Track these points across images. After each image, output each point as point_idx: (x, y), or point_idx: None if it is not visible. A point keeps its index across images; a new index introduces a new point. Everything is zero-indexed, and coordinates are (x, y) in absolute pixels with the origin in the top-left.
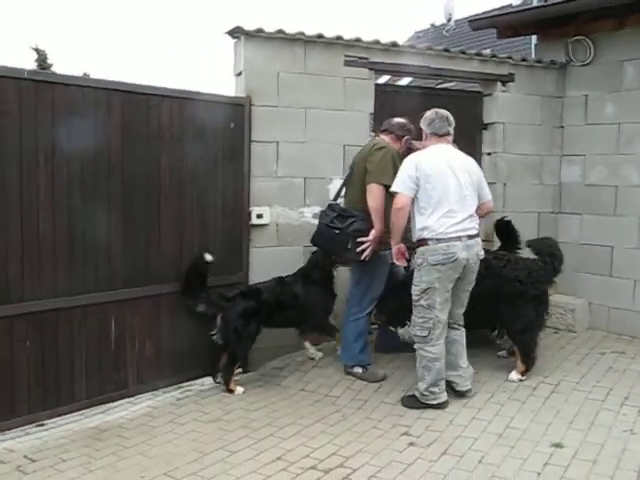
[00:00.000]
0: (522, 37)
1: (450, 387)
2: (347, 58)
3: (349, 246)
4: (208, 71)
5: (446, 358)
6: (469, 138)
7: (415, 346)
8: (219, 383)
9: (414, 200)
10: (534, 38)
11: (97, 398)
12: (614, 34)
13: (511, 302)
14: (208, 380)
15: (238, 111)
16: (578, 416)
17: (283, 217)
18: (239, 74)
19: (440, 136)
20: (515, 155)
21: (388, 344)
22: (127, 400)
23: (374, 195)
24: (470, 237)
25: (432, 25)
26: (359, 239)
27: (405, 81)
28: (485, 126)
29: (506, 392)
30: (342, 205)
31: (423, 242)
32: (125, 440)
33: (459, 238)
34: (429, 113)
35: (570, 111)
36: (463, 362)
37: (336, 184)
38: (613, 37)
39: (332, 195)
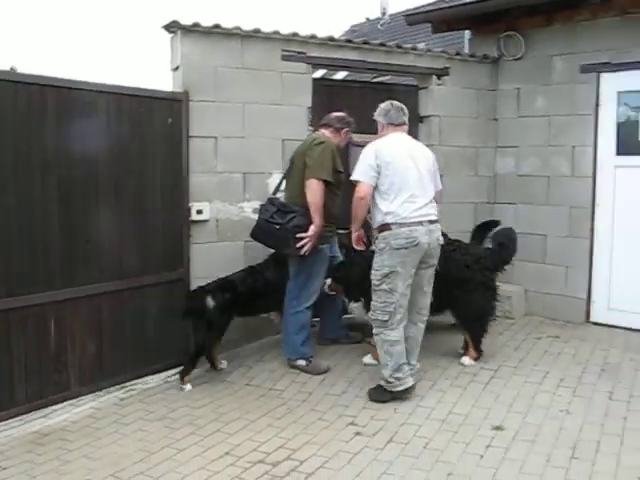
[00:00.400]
0: (456, 32)
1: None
2: (284, 53)
3: (289, 242)
4: (143, 66)
5: None
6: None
7: (374, 331)
8: (221, 370)
9: (375, 187)
10: (467, 33)
11: (38, 402)
12: (544, 30)
13: (461, 287)
14: (152, 378)
15: (176, 106)
16: (517, 399)
17: (223, 212)
18: (176, 69)
19: (397, 125)
20: (451, 147)
21: (330, 336)
22: (69, 402)
23: (313, 190)
24: (431, 222)
25: (367, 19)
26: (299, 235)
27: (341, 75)
28: (421, 119)
29: (448, 379)
30: (282, 199)
31: (386, 227)
32: (69, 443)
33: (421, 223)
34: (384, 105)
35: (503, 104)
36: (413, 359)
37: (275, 178)
38: (543, 32)
39: (272, 189)
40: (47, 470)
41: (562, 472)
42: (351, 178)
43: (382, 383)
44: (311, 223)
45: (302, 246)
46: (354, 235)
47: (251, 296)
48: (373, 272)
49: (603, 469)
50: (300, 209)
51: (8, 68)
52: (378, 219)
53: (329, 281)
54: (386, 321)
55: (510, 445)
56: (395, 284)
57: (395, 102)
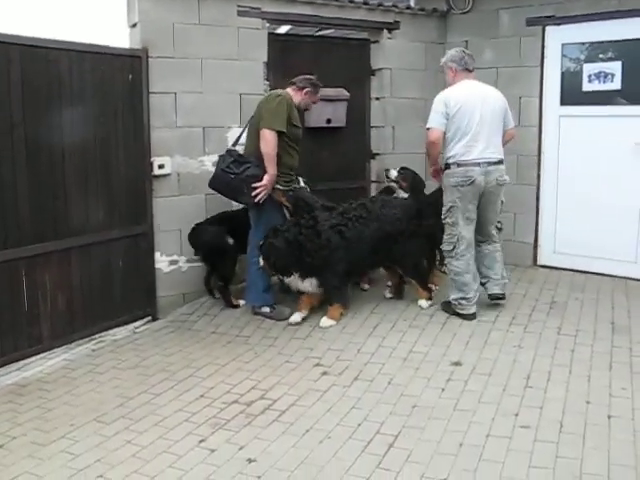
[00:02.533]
0: None
1: (486, 291)
2: (240, 8)
3: (245, 191)
4: (98, 22)
5: (479, 269)
6: (359, 84)
7: (446, 261)
8: (218, 298)
9: (445, 131)
10: None
11: (12, 355)
12: None
13: (395, 240)
14: (120, 330)
15: (135, 63)
16: (473, 337)
17: (184, 166)
18: (134, 25)
19: (470, 71)
20: (402, 99)
21: None
22: (42, 356)
23: (266, 139)
24: (490, 164)
25: None
26: (254, 185)
27: (283, 29)
28: (373, 72)
29: (407, 321)
30: (240, 152)
31: (448, 166)
32: (47, 393)
33: (478, 164)
34: (456, 52)
35: None
36: (494, 274)
37: (234, 132)
38: None
39: (231, 143)
40: (31, 417)
41: (517, 399)
42: (426, 126)
43: (450, 300)
44: (265, 173)
45: (257, 195)
46: (431, 170)
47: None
48: (443, 208)
49: (554, 396)
50: (255, 160)
51: None
52: (444, 159)
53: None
54: (450, 250)
55: (469, 378)
56: (456, 217)
57: (465, 49)
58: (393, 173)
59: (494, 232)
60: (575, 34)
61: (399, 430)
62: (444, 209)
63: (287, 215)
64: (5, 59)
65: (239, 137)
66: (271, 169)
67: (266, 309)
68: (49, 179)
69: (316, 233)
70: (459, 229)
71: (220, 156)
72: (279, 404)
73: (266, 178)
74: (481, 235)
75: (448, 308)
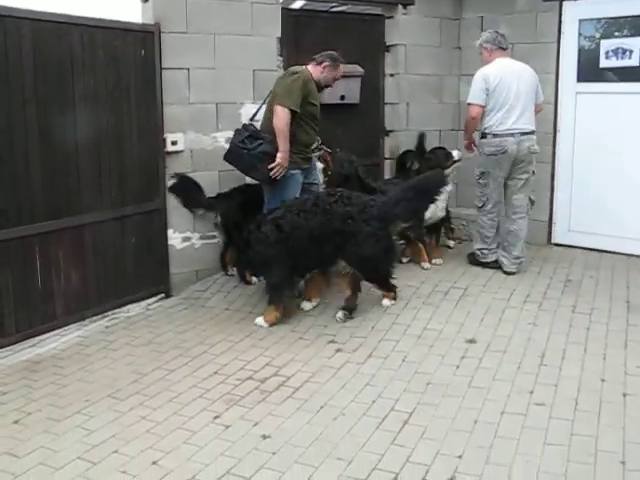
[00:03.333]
0: None
1: (502, 266)
2: None
3: (257, 166)
4: None
5: (502, 245)
6: (373, 60)
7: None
8: (231, 275)
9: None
10: None
11: (27, 332)
12: None
13: (348, 240)
14: (134, 307)
15: (148, 38)
16: (487, 314)
17: (197, 143)
18: (146, 0)
19: (504, 49)
20: (416, 76)
21: None
22: (56, 332)
23: (278, 116)
24: (523, 134)
25: None
26: (270, 165)
27: (297, 4)
28: (387, 48)
29: (420, 298)
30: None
31: (484, 136)
32: (61, 369)
33: (512, 135)
34: (489, 34)
35: (467, 32)
36: (516, 251)
37: (247, 108)
38: None
39: (244, 119)
40: (46, 393)
41: (532, 377)
42: (467, 101)
43: (474, 251)
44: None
45: (269, 170)
46: (465, 143)
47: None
48: (475, 169)
49: (569, 374)
50: (268, 136)
51: None
52: (482, 129)
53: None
54: (480, 207)
55: (483, 356)
56: (487, 181)
57: (498, 30)
58: (456, 153)
59: (526, 204)
60: (592, 10)
61: (414, 407)
62: (477, 171)
63: (321, 179)
64: (17, 34)
65: (256, 112)
66: (282, 145)
67: None
68: (62, 155)
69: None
70: (489, 191)
71: (236, 130)
72: (293, 381)
73: (279, 156)
74: (509, 205)
75: (472, 259)
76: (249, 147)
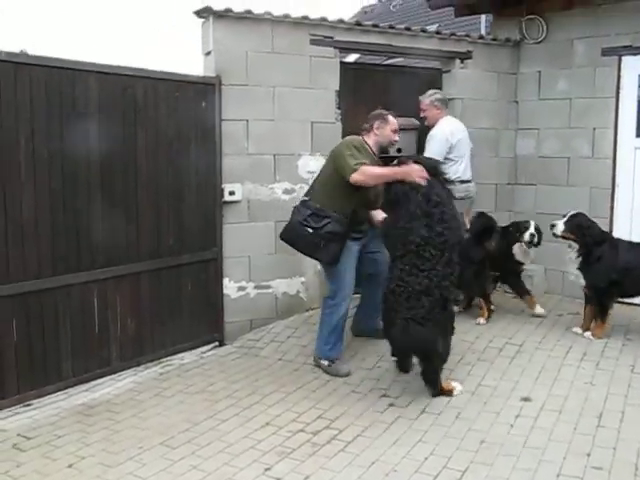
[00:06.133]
0: (468, 16)
1: None
2: (313, 37)
3: (321, 246)
4: (172, 50)
5: None
6: None
7: None
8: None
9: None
10: (484, 17)
11: (82, 376)
12: (564, 13)
13: None
14: (188, 354)
15: (209, 90)
16: (543, 372)
17: (254, 193)
18: (208, 54)
19: (447, 107)
20: (473, 129)
21: (362, 332)
22: (110, 377)
23: (363, 180)
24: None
25: (379, 0)
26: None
27: (352, 58)
28: None
29: (475, 354)
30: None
31: (452, 183)
32: (115, 415)
33: (470, 181)
34: (439, 94)
35: (524, 87)
36: None
37: (305, 160)
38: (563, 16)
39: (301, 171)
40: (99, 438)
41: (589, 439)
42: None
43: None
44: (346, 230)
45: (333, 253)
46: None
47: None
48: None
49: (628, 436)
50: (335, 215)
51: (18, 50)
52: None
53: None
54: None
55: (538, 415)
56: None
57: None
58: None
59: None
60: None
61: (467, 466)
62: None
63: None
64: (84, 86)
65: (311, 188)
66: (389, 172)
67: (325, 362)
68: (123, 203)
69: None
70: None
71: (295, 207)
72: (345, 434)
73: (402, 169)
74: None
75: None
76: (315, 226)
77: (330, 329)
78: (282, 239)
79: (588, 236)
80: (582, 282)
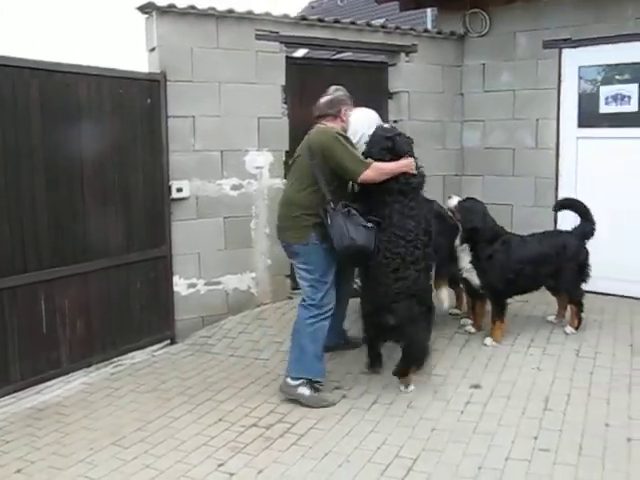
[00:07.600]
0: (413, 10)
1: None
2: (258, 32)
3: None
4: (115, 47)
5: None
6: (376, 106)
7: None
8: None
9: None
10: (429, 11)
11: (31, 379)
12: (507, 7)
13: None
14: (139, 353)
15: (154, 87)
16: (492, 360)
17: (202, 190)
18: (152, 50)
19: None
20: (419, 122)
21: (330, 344)
22: (60, 379)
23: (372, 178)
24: None
25: None
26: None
27: (300, 53)
28: (391, 95)
29: None
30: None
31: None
32: (66, 417)
33: None
34: (341, 91)
35: (469, 79)
36: None
37: (252, 155)
38: (506, 10)
39: (248, 167)
40: (49, 442)
41: (536, 422)
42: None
43: None
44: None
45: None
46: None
47: None
48: None
49: (573, 419)
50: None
51: None
52: None
53: None
54: None
55: (488, 401)
56: None
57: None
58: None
59: None
60: (592, 56)
61: (418, 454)
62: None
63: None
64: (25, 84)
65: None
66: (394, 166)
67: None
68: (68, 202)
69: None
70: None
71: (339, 212)
72: (298, 427)
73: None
74: None
75: None
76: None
77: (318, 337)
78: (347, 250)
79: (473, 222)
80: (476, 282)
